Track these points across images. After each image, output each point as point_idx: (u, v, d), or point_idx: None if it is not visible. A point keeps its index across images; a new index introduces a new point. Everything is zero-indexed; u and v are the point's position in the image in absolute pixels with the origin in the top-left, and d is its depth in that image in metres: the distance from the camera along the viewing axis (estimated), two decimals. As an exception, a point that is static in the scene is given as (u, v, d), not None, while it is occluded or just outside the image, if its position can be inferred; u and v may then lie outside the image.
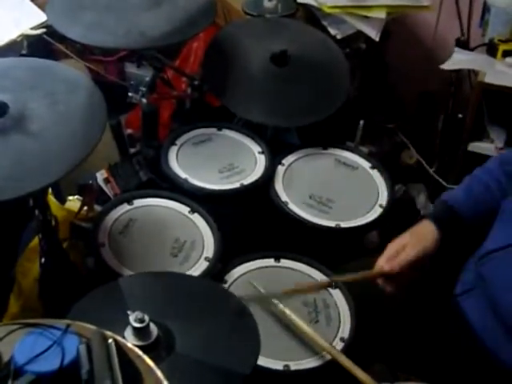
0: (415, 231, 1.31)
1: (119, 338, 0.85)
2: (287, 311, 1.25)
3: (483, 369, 1.22)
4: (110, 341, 0.80)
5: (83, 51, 1.87)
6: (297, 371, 1.19)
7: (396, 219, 1.75)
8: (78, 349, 0.77)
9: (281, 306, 1.26)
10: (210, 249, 1.39)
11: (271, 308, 1.28)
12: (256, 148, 1.67)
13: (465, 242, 1.34)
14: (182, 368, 0.97)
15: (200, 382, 0.98)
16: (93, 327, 0.84)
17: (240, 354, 1.03)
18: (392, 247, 1.29)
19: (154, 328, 0.97)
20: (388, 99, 2.36)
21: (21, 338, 0.81)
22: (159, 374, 0.82)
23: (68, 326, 0.82)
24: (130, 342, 0.93)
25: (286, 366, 1.19)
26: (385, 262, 1.27)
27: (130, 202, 1.47)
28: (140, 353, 0.85)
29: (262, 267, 1.41)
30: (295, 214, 1.52)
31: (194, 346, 1.00)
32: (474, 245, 1.32)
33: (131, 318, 0.95)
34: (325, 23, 2.04)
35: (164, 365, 0.92)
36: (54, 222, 1.33)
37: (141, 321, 0.95)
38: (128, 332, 0.97)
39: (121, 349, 0.82)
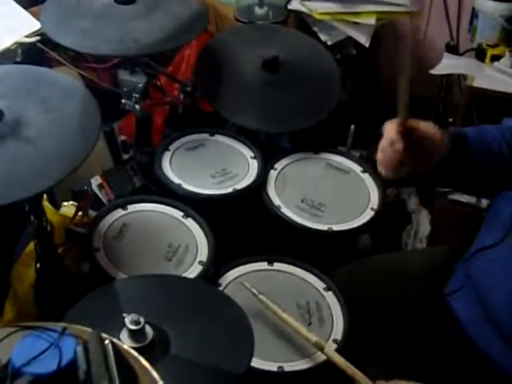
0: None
1: (115, 340, 0.86)
2: (279, 310, 1.26)
3: (474, 367, 1.23)
4: (107, 342, 0.81)
5: (76, 59, 1.88)
6: (291, 372, 1.20)
7: (387, 222, 1.78)
8: (76, 350, 0.79)
9: (272, 305, 1.27)
10: (203, 253, 1.40)
11: (264, 307, 1.29)
12: (248, 153, 1.69)
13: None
14: (177, 369, 0.98)
15: (195, 382, 0.99)
16: (89, 329, 0.85)
17: (234, 354, 1.04)
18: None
19: (149, 330, 0.98)
20: (379, 104, 2.38)
21: (18, 340, 0.82)
22: (155, 374, 0.83)
23: (65, 328, 0.83)
24: (126, 343, 0.94)
25: (279, 367, 1.20)
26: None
27: (124, 207, 1.49)
28: (135, 354, 0.86)
29: (256, 270, 1.42)
30: (288, 217, 1.53)
31: (189, 348, 1.01)
32: (464, 244, 1.34)
33: (127, 320, 0.97)
34: (315, 29, 2.06)
35: (159, 366, 0.93)
36: (49, 228, 1.35)
37: (136, 323, 0.96)
38: (124, 334, 0.98)
39: (117, 350, 0.83)
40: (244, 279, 1.38)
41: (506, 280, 1.18)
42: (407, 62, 1.18)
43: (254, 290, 1.27)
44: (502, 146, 1.29)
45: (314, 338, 1.21)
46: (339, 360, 1.17)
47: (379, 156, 1.25)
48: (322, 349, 1.20)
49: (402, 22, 2.36)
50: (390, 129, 1.21)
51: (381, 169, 1.25)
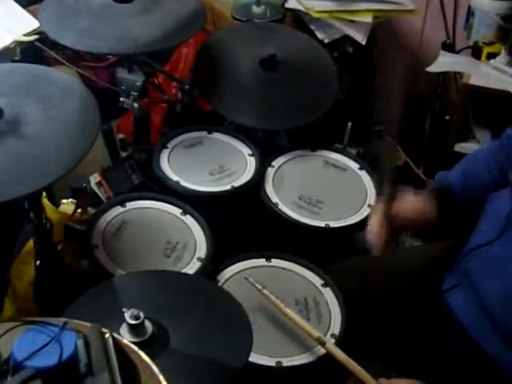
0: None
1: (115, 335, 0.87)
2: (282, 305, 1.27)
3: (471, 363, 1.23)
4: (107, 335, 0.82)
5: (74, 57, 1.89)
6: (289, 367, 1.21)
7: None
8: (76, 344, 0.79)
9: (275, 299, 1.28)
10: (202, 249, 1.41)
11: (264, 301, 1.30)
12: (246, 150, 1.70)
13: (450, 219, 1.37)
14: (176, 363, 0.99)
15: (193, 376, 1.00)
16: (89, 324, 0.86)
17: (233, 349, 1.05)
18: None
19: (148, 325, 0.99)
20: (375, 102, 2.39)
21: (19, 335, 0.83)
22: (155, 368, 0.84)
23: (65, 322, 0.84)
24: (126, 338, 0.95)
25: (278, 362, 1.21)
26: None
27: (122, 204, 1.49)
28: (135, 348, 0.87)
29: (254, 267, 1.43)
30: (285, 214, 1.54)
31: (188, 342, 1.02)
32: (460, 242, 1.35)
33: (127, 315, 0.98)
34: (312, 27, 2.07)
35: (159, 360, 0.94)
36: (48, 225, 1.35)
37: (136, 318, 0.97)
38: (124, 329, 0.99)
39: (117, 344, 0.84)
40: (242, 276, 1.39)
41: (502, 277, 1.19)
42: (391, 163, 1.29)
43: (258, 285, 1.29)
44: (493, 172, 1.33)
45: (316, 333, 1.22)
46: (341, 355, 1.18)
47: (369, 236, 1.34)
48: (323, 344, 1.21)
49: (397, 19, 2.37)
50: (377, 212, 1.34)
51: (372, 247, 1.33)
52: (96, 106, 1.25)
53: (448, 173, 1.40)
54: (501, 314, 1.18)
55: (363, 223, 1.56)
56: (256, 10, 2.12)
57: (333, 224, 1.53)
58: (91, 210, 1.52)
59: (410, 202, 1.34)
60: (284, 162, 1.70)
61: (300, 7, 2.06)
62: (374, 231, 1.32)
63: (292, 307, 1.32)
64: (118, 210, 1.48)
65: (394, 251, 1.34)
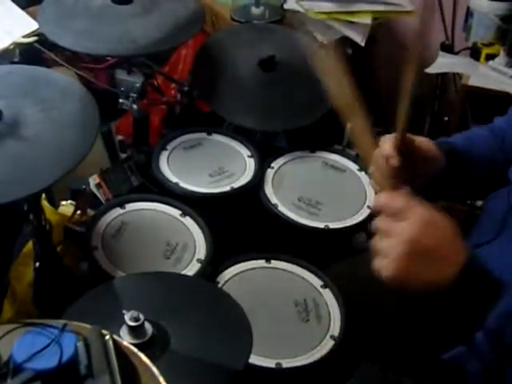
0: None
1: (115, 337, 0.87)
2: None
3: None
4: (108, 337, 0.82)
5: (73, 59, 1.89)
6: (289, 369, 1.21)
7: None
8: (76, 345, 0.79)
9: None
10: (201, 251, 1.41)
11: (263, 303, 1.29)
12: (245, 152, 1.70)
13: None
14: (177, 365, 0.99)
15: (193, 378, 1.00)
16: (89, 325, 0.86)
17: (233, 351, 1.05)
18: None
19: (148, 326, 0.99)
20: (374, 103, 2.39)
21: (19, 337, 0.83)
22: (155, 370, 0.84)
23: (65, 324, 0.84)
24: (126, 340, 0.95)
25: (278, 363, 1.21)
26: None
27: (122, 206, 1.49)
28: (135, 350, 0.87)
29: (253, 268, 1.43)
30: (285, 215, 1.54)
31: (188, 344, 1.02)
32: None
33: (126, 317, 0.97)
34: (311, 29, 2.07)
35: (159, 362, 0.94)
36: (47, 227, 1.35)
37: (136, 319, 0.97)
38: (123, 331, 0.99)
39: (117, 346, 0.84)
40: (242, 277, 1.39)
41: (500, 276, 1.19)
42: (413, 76, 1.14)
43: None
44: (493, 147, 1.30)
45: None
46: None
47: (373, 172, 1.22)
48: None
49: (397, 21, 2.37)
50: (387, 144, 1.21)
51: (375, 185, 1.24)
52: (95, 107, 1.25)
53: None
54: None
55: (362, 224, 1.57)
56: (255, 11, 2.13)
57: (332, 225, 1.53)
58: (90, 212, 1.52)
59: (422, 140, 1.21)
60: (283, 164, 1.70)
61: (299, 8, 2.06)
62: (379, 162, 1.17)
63: (291, 309, 1.32)
64: (118, 211, 1.48)
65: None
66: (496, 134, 1.32)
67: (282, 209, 1.55)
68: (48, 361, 0.78)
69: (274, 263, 1.45)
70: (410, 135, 1.19)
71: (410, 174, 1.19)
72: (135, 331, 0.98)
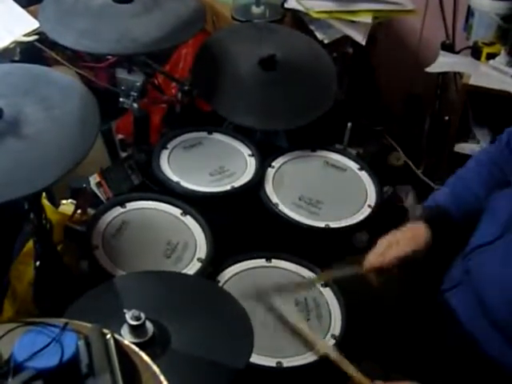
0: (408, 229, 1.33)
1: (116, 336, 0.87)
2: (281, 308, 1.27)
3: (472, 362, 1.24)
4: (109, 336, 0.82)
5: (74, 58, 1.88)
6: (289, 368, 1.21)
7: (384, 219, 1.78)
8: (77, 344, 0.79)
9: (274, 301, 1.28)
10: (202, 250, 1.41)
11: (265, 304, 1.30)
12: (246, 151, 1.70)
13: (453, 239, 1.36)
14: (177, 363, 0.99)
15: (194, 377, 1.00)
16: (90, 325, 0.86)
17: (234, 350, 1.05)
18: (383, 243, 1.31)
19: (149, 325, 0.99)
20: (375, 102, 2.39)
21: (20, 335, 0.83)
22: (155, 369, 0.84)
23: (66, 323, 0.84)
24: (127, 339, 0.95)
25: (278, 362, 1.21)
26: (375, 257, 1.29)
27: (122, 205, 1.49)
28: (136, 349, 0.87)
29: (254, 267, 1.43)
30: (286, 215, 1.54)
31: (189, 343, 1.02)
32: (461, 241, 1.35)
33: (128, 316, 0.98)
34: (312, 28, 2.07)
35: (160, 361, 0.94)
36: (48, 226, 1.35)
37: (137, 318, 0.97)
38: (124, 330, 0.99)
39: (118, 345, 0.84)
40: (242, 276, 1.39)
41: (502, 276, 1.19)
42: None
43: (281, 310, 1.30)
44: (489, 186, 1.34)
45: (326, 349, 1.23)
46: (347, 366, 1.18)
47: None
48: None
49: (397, 20, 2.37)
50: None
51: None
52: (96, 106, 1.25)
53: (434, 198, 1.40)
54: (501, 314, 1.18)
55: (363, 223, 1.57)
56: (255, 10, 2.12)
57: (333, 224, 1.53)
58: (91, 211, 1.52)
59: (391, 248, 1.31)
60: (284, 163, 1.70)
61: (299, 7, 2.06)
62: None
63: (292, 308, 1.32)
64: (118, 210, 1.48)
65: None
66: (493, 174, 1.36)
67: (282, 208, 1.55)
68: (49, 360, 0.78)
69: (275, 262, 1.45)
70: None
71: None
72: (136, 330, 0.98)
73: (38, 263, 1.37)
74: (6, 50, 1.67)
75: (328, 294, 1.38)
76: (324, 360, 1.22)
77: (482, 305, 1.21)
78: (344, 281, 1.40)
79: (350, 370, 1.17)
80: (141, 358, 0.86)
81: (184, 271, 1.34)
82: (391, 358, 1.41)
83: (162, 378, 0.83)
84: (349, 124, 1.75)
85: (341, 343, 1.27)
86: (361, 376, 1.15)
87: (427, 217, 1.34)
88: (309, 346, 1.25)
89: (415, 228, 1.33)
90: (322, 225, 1.52)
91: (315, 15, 2.02)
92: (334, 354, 1.20)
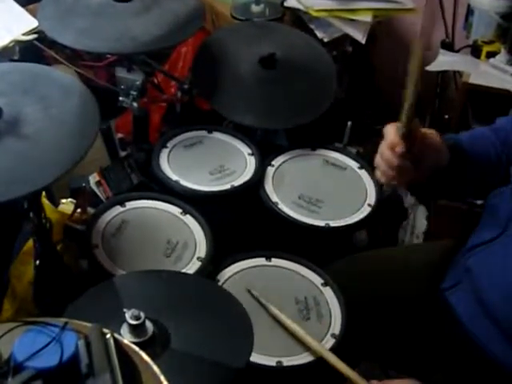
0: None
1: (116, 335, 0.87)
2: (276, 311, 1.27)
3: (472, 361, 1.24)
4: (109, 336, 0.82)
5: (73, 56, 1.89)
6: (289, 367, 1.21)
7: (384, 218, 1.78)
8: (77, 344, 0.79)
9: (269, 304, 1.28)
10: (202, 249, 1.41)
11: (262, 305, 1.30)
12: (246, 150, 1.69)
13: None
14: (178, 363, 0.99)
15: (195, 376, 0.99)
16: (90, 324, 0.86)
17: (234, 349, 1.05)
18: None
19: (149, 325, 0.99)
20: (375, 101, 2.39)
21: (19, 335, 0.82)
22: (155, 368, 0.84)
23: (66, 323, 0.84)
24: (127, 338, 0.95)
25: (278, 362, 1.21)
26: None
27: (122, 204, 1.49)
28: (136, 349, 0.87)
29: (254, 266, 1.42)
30: (285, 214, 1.54)
31: (189, 342, 1.02)
32: (460, 240, 1.35)
33: (127, 316, 0.97)
34: (312, 26, 2.07)
35: (160, 360, 0.94)
36: (48, 225, 1.35)
37: (137, 318, 0.97)
38: (124, 329, 0.99)
39: (118, 344, 0.84)
40: (242, 275, 1.39)
41: (502, 275, 1.19)
42: (417, 65, 1.14)
43: (263, 300, 1.29)
44: (496, 147, 1.30)
45: (317, 346, 1.22)
46: (342, 366, 1.18)
47: (377, 160, 1.22)
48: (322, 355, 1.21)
49: (397, 18, 2.37)
50: (391, 131, 1.20)
51: (379, 174, 1.24)
52: (95, 105, 1.25)
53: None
54: (502, 312, 1.18)
55: (363, 222, 1.57)
56: (255, 8, 2.13)
57: (333, 223, 1.53)
58: (91, 210, 1.52)
59: (428, 131, 1.22)
60: (284, 162, 1.69)
61: (299, 6, 2.06)
62: (383, 150, 1.18)
63: (292, 307, 1.32)
64: (118, 209, 1.48)
65: (401, 180, 1.20)
66: (498, 135, 1.31)
67: (282, 207, 1.55)
68: (49, 359, 0.78)
69: (275, 261, 1.45)
70: (415, 123, 1.18)
71: (415, 164, 1.19)
72: (136, 330, 0.98)
73: (37, 262, 1.37)
74: (5, 49, 1.67)
75: (328, 292, 1.38)
76: (324, 359, 1.22)
77: (483, 303, 1.21)
78: (344, 279, 1.40)
79: (346, 370, 1.16)
80: (141, 357, 0.85)
81: (184, 270, 1.34)
82: (391, 356, 1.42)
83: (162, 377, 0.83)
84: (349, 123, 1.75)
85: (341, 342, 1.27)
86: (357, 377, 1.15)
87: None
88: (306, 346, 1.24)
89: None
90: (321, 224, 1.52)
91: (315, 14, 2.02)
92: (329, 356, 1.20)
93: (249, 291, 1.32)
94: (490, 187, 1.32)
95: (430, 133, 1.23)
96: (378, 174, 1.23)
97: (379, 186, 1.64)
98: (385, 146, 1.19)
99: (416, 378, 1.19)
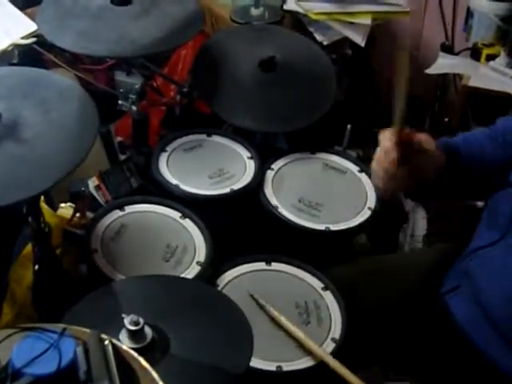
0: None
1: (115, 341, 0.86)
2: (277, 314, 1.27)
3: (472, 365, 1.23)
4: (107, 342, 0.81)
5: (72, 60, 1.88)
6: (289, 372, 1.20)
7: (384, 222, 1.78)
8: (75, 350, 0.79)
9: (271, 308, 1.28)
10: (201, 253, 1.40)
11: (262, 310, 1.29)
12: (245, 153, 1.69)
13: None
14: (177, 369, 0.98)
15: (194, 382, 0.99)
16: (89, 330, 0.85)
17: (233, 354, 1.04)
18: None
19: (148, 330, 0.98)
20: (375, 103, 2.39)
21: (18, 341, 0.82)
22: (155, 374, 0.84)
23: (64, 329, 0.83)
24: (125, 344, 0.95)
25: (278, 366, 1.20)
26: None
27: (121, 208, 1.49)
28: (135, 355, 0.86)
29: (254, 270, 1.42)
30: (285, 217, 1.53)
31: (188, 347, 1.01)
32: (460, 244, 1.35)
33: (126, 321, 0.97)
34: (311, 29, 2.07)
35: (159, 366, 0.94)
36: (47, 229, 1.35)
37: (136, 323, 0.97)
38: (123, 335, 0.98)
39: (117, 350, 0.83)
40: (242, 279, 1.39)
41: (502, 279, 1.19)
42: (405, 72, 1.15)
43: (262, 301, 1.28)
44: (495, 150, 1.30)
45: (320, 352, 1.22)
46: (343, 371, 1.17)
47: (374, 166, 1.24)
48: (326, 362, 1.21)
49: (397, 21, 2.37)
50: (386, 138, 1.21)
51: (376, 181, 1.25)
52: (94, 108, 1.24)
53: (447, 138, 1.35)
54: (502, 316, 1.18)
55: (363, 226, 1.56)
56: (254, 12, 2.13)
57: (333, 227, 1.52)
58: (90, 214, 1.52)
59: (423, 137, 1.23)
60: (283, 165, 1.69)
61: (299, 9, 2.06)
62: (379, 157, 1.20)
63: (292, 311, 1.32)
64: (117, 213, 1.47)
65: (398, 187, 1.23)
66: (497, 136, 1.31)
67: (282, 210, 1.55)
68: (47, 366, 0.77)
69: (275, 265, 1.44)
70: (408, 130, 1.19)
71: (410, 173, 1.19)
72: (135, 335, 0.97)
73: (36, 267, 1.37)
74: (4, 52, 1.67)
75: (328, 296, 1.37)
76: (324, 364, 1.22)
77: (482, 307, 1.21)
78: (344, 283, 1.39)
79: (347, 375, 1.16)
80: (140, 363, 0.85)
81: (183, 275, 1.34)
82: (391, 360, 1.41)
83: (161, 383, 0.82)
84: (348, 126, 1.75)
85: (341, 346, 1.26)
86: (358, 381, 1.14)
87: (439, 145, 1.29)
88: (306, 351, 1.24)
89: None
90: (321, 227, 1.52)
91: (314, 17, 2.02)
92: (330, 360, 1.19)
93: (248, 293, 1.31)
94: (489, 188, 1.32)
95: (424, 137, 1.24)
96: (374, 179, 1.23)
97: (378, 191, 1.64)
98: (380, 153, 1.20)
99: (417, 380, 1.18)
